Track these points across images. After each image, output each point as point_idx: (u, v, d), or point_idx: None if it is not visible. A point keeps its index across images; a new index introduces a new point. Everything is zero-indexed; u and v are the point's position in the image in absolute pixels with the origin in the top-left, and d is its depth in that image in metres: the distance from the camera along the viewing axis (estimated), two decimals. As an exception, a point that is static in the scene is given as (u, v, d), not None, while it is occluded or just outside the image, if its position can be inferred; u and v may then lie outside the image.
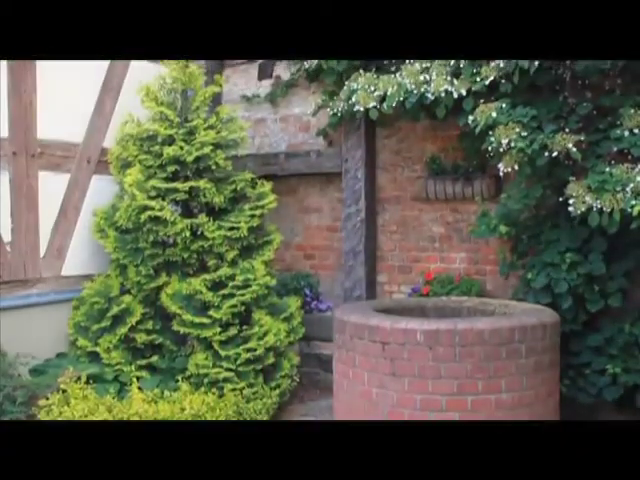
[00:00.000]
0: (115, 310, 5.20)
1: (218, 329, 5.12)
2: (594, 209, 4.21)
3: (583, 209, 4.26)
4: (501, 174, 4.74)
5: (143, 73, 5.68)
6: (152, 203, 5.12)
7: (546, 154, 4.39)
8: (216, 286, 5.25)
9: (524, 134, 4.42)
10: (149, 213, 5.12)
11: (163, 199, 5.23)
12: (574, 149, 4.33)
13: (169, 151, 5.27)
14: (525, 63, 4.35)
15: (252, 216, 5.44)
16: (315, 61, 5.61)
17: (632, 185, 4.13)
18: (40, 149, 5.19)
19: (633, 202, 4.07)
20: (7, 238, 4.99)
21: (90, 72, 5.54)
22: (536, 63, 4.32)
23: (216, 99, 6.24)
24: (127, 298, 5.26)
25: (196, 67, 5.68)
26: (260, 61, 6.62)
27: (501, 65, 4.53)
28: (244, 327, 5.21)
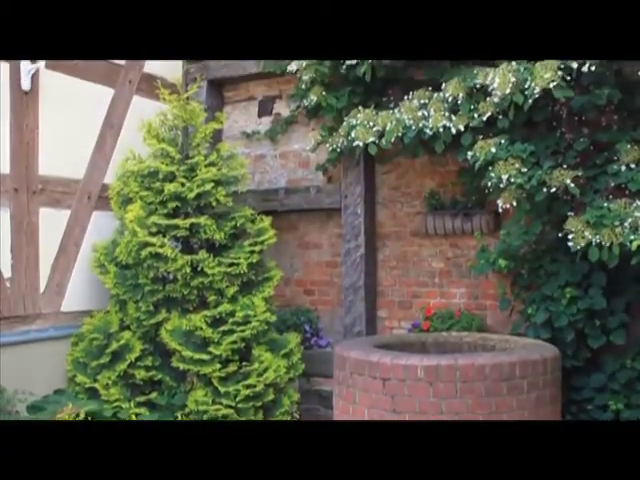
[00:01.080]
0: (114, 346, 5.18)
1: (218, 365, 5.09)
2: (593, 244, 4.22)
3: (582, 244, 4.27)
4: (500, 210, 4.76)
5: (144, 110, 5.74)
6: (153, 239, 5.14)
7: (544, 190, 4.41)
8: (216, 322, 5.24)
9: (523, 170, 4.45)
10: (150, 249, 5.13)
11: (164, 235, 5.25)
12: (572, 184, 4.36)
13: (170, 188, 5.30)
14: (520, 98, 4.39)
15: (252, 252, 5.45)
16: (314, 98, 5.65)
17: (630, 220, 4.15)
18: (41, 185, 5.23)
19: (632, 237, 4.08)
20: (7, 274, 5.00)
21: (92, 109, 5.61)
22: (530, 100, 4.36)
23: (217, 136, 6.30)
24: (126, 334, 5.24)
25: (197, 104, 5.75)
26: (260, 98, 6.69)
27: (496, 101, 4.57)
28: (244, 363, 5.19)
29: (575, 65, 4.27)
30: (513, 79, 4.40)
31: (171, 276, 5.33)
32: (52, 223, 5.32)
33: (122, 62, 5.96)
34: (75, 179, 5.53)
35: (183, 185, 5.35)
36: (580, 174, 4.43)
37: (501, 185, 4.52)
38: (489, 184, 4.62)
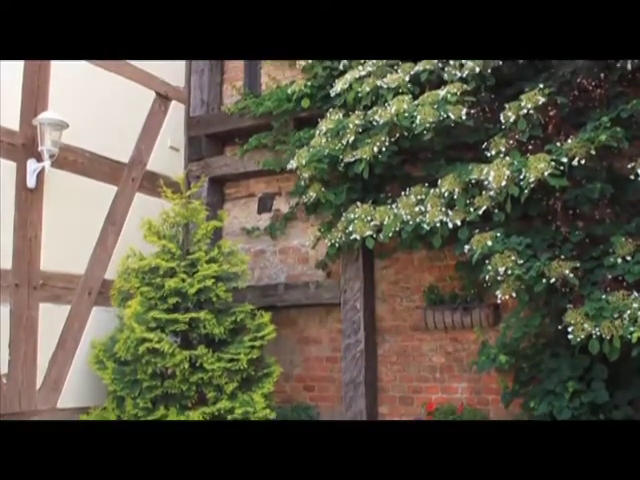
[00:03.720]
0: (110, 444, 5.06)
1: (215, 464, 4.97)
2: (594, 336, 4.21)
3: (582, 336, 4.26)
4: (499, 302, 4.77)
5: (146, 207, 5.85)
6: (150, 335, 5.13)
7: (544, 281, 4.44)
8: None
9: (520, 262, 4.49)
10: (147, 345, 5.11)
11: (163, 330, 5.24)
12: (571, 275, 4.38)
13: (170, 283, 5.34)
14: (515, 190, 4.48)
15: (252, 347, 5.43)
16: (313, 195, 5.76)
17: (629, 312, 4.15)
18: (42, 281, 5.26)
19: (632, 329, 4.08)
20: (4, 370, 4.96)
21: (95, 205, 5.72)
22: (525, 191, 4.45)
23: (217, 231, 6.37)
24: (123, 432, 5.14)
25: (198, 202, 5.86)
26: (260, 195, 6.82)
27: (492, 194, 4.66)
28: (242, 462, 5.06)
29: (565, 159, 4.39)
30: (508, 172, 4.51)
31: (170, 371, 5.28)
32: (52, 318, 5.32)
33: (126, 160, 6.12)
34: (76, 274, 5.57)
35: (184, 281, 5.38)
36: (578, 266, 4.47)
37: (499, 277, 4.55)
38: (487, 277, 4.65)
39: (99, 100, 5.90)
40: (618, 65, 4.59)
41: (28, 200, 5.23)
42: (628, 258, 4.39)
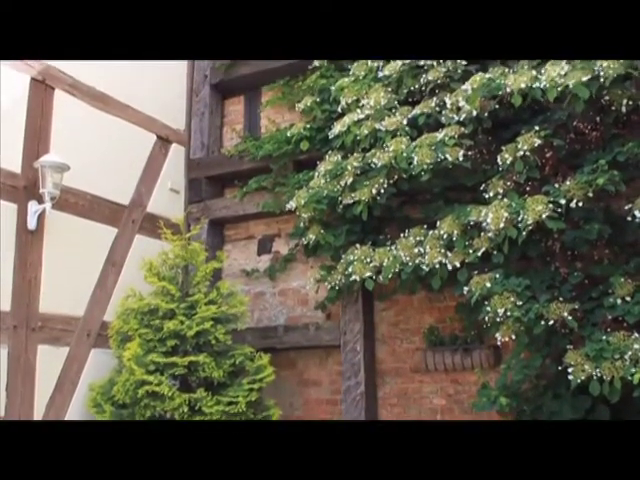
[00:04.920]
0: (107, 489, 5.00)
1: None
2: (594, 378, 4.18)
3: (583, 377, 4.23)
4: (499, 343, 4.76)
5: (146, 248, 5.86)
6: (150, 378, 5.10)
7: (542, 323, 4.43)
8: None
9: (519, 303, 4.48)
10: (147, 388, 5.08)
11: (162, 373, 5.20)
12: (569, 317, 4.37)
13: (169, 325, 5.32)
14: (514, 232, 4.50)
15: (251, 390, 5.39)
16: (313, 236, 5.78)
17: (630, 353, 4.13)
18: (41, 323, 5.25)
19: (633, 370, 4.05)
20: (0, 413, 4.91)
21: (95, 247, 5.75)
22: (524, 233, 4.47)
23: (217, 273, 6.38)
24: (120, 476, 5.07)
25: (198, 244, 5.87)
26: (260, 237, 6.85)
27: (490, 236, 4.68)
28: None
29: (563, 201, 4.42)
30: (506, 214, 4.52)
31: (168, 415, 5.23)
32: (50, 361, 5.30)
33: (126, 202, 6.16)
34: (75, 316, 5.56)
35: (182, 323, 5.36)
36: (577, 307, 4.47)
37: (498, 319, 4.54)
38: (486, 318, 4.64)
39: (100, 143, 5.96)
40: (613, 108, 4.65)
41: (28, 242, 5.25)
42: (628, 299, 4.38)
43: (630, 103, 4.56)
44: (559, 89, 4.46)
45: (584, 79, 4.36)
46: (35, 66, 5.51)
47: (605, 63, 4.31)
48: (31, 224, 5.26)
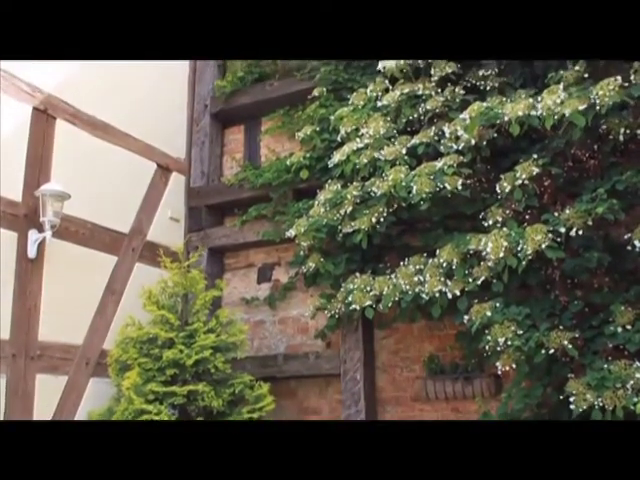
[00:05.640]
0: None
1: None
2: (596, 407, 4.16)
3: (585, 407, 4.20)
4: (500, 372, 4.74)
5: (146, 276, 5.86)
6: (149, 407, 5.06)
7: (543, 351, 4.41)
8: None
9: (520, 332, 4.47)
10: (146, 417, 5.04)
11: (161, 403, 5.17)
12: (570, 346, 4.36)
13: (169, 354, 5.30)
14: (513, 261, 4.50)
15: (250, 419, 5.35)
16: (312, 265, 5.79)
17: (632, 382, 4.12)
18: (40, 351, 5.24)
19: (635, 399, 4.04)
20: (-2, 443, 4.87)
21: (94, 275, 5.75)
22: (523, 263, 4.47)
23: (216, 302, 6.37)
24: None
25: (197, 272, 5.87)
26: (259, 265, 6.85)
27: (490, 265, 4.68)
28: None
29: (563, 230, 4.43)
30: (505, 243, 4.53)
31: (166, 445, 5.19)
32: (48, 389, 5.27)
33: (126, 231, 6.18)
34: (74, 345, 5.54)
35: (182, 352, 5.34)
36: (577, 335, 4.46)
37: (499, 348, 4.53)
38: (487, 347, 4.63)
39: (101, 171, 5.99)
40: (611, 136, 4.68)
41: (28, 270, 5.25)
42: (628, 327, 4.37)
43: (628, 132, 4.60)
44: (556, 117, 4.50)
45: (580, 107, 4.41)
46: (37, 95, 5.56)
47: (601, 91, 4.36)
48: (31, 252, 5.27)
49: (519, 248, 4.48)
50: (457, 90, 5.41)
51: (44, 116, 5.62)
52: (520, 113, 4.66)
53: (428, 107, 5.38)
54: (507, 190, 4.80)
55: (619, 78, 4.38)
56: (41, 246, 5.34)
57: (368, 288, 5.34)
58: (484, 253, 4.71)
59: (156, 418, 5.01)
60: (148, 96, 6.60)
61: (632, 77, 4.41)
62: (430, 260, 5.15)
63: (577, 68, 4.77)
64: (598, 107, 4.37)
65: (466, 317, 4.79)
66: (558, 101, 4.54)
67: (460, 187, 4.96)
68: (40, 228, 5.33)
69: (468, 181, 5.07)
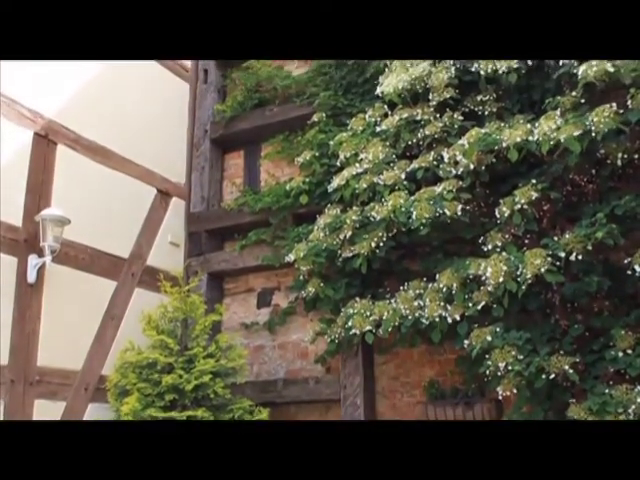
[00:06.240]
0: None
1: None
2: (598, 432, 4.14)
3: (587, 432, 4.19)
4: (501, 397, 4.71)
5: (145, 301, 5.86)
6: (148, 432, 5.03)
7: (543, 376, 4.39)
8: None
9: (520, 357, 4.46)
10: (144, 442, 5.01)
11: (159, 428, 5.15)
12: (571, 370, 4.35)
13: (168, 379, 5.28)
14: (513, 286, 4.50)
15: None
16: (312, 290, 5.78)
17: (634, 407, 4.09)
18: (38, 377, 5.23)
19: (637, 424, 4.02)
20: (-4, 470, 4.84)
21: (94, 300, 5.75)
22: (523, 287, 4.46)
23: (216, 327, 6.36)
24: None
25: (197, 296, 5.87)
26: (259, 290, 6.84)
27: (490, 289, 4.68)
28: None
29: (562, 254, 4.44)
30: (505, 268, 4.53)
31: (165, 471, 5.15)
32: (47, 415, 5.25)
33: (126, 255, 6.18)
34: (73, 370, 5.53)
35: (181, 377, 5.32)
36: (578, 360, 4.44)
37: (499, 373, 4.51)
38: (487, 372, 4.61)
39: (101, 196, 6.02)
40: (609, 161, 4.71)
41: (27, 295, 5.25)
42: (629, 351, 4.36)
43: (625, 156, 4.63)
44: (552, 142, 4.54)
45: (575, 133, 4.44)
46: (38, 121, 5.60)
47: (596, 118, 4.39)
48: (31, 277, 5.27)
49: (519, 272, 4.48)
50: (455, 115, 5.44)
51: (45, 141, 5.66)
52: (518, 139, 4.69)
53: (427, 132, 5.41)
54: (506, 215, 4.81)
55: (614, 105, 4.42)
56: (41, 271, 5.35)
57: (368, 313, 5.33)
58: (484, 278, 4.71)
59: (155, 444, 4.98)
60: (148, 122, 6.65)
61: (629, 102, 4.45)
62: (430, 285, 5.15)
63: (574, 94, 4.81)
64: (594, 133, 4.40)
65: (466, 342, 4.78)
66: (554, 127, 4.57)
67: (459, 212, 4.98)
68: (40, 253, 5.34)
69: (467, 206, 5.08)
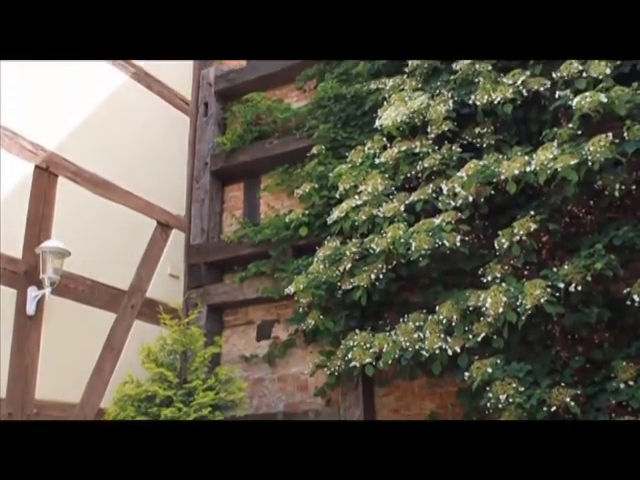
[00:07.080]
0: None
1: None
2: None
3: (589, 466, 4.15)
4: (502, 431, 4.68)
5: (145, 333, 5.84)
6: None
7: (545, 409, 4.36)
8: None
9: (521, 389, 4.43)
10: (142, 477, 4.95)
11: (157, 462, 5.09)
12: (572, 403, 4.32)
13: (167, 413, 5.23)
14: (513, 316, 4.49)
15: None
16: (312, 322, 5.77)
17: (636, 439, 4.06)
18: (36, 410, 5.18)
19: None
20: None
21: (93, 332, 5.74)
22: (523, 318, 4.46)
23: (215, 359, 6.33)
24: None
25: (196, 329, 5.84)
26: (259, 322, 6.83)
27: (490, 321, 4.67)
28: None
29: (562, 285, 4.44)
30: (504, 299, 4.53)
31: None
32: (44, 449, 5.18)
33: (126, 287, 6.18)
34: (71, 403, 5.49)
35: (180, 410, 5.27)
36: (579, 392, 4.42)
37: (500, 405, 4.48)
38: (488, 404, 4.58)
39: (101, 228, 6.03)
40: (606, 192, 4.73)
41: (26, 327, 5.23)
42: (631, 383, 4.33)
43: (623, 187, 4.65)
44: (549, 172, 4.56)
45: (572, 163, 4.47)
46: (39, 153, 5.64)
47: (592, 147, 4.43)
48: (30, 309, 5.26)
49: (518, 303, 4.48)
50: (454, 148, 5.48)
51: (46, 174, 5.69)
52: (516, 171, 4.72)
53: (425, 164, 5.44)
54: (505, 246, 4.82)
55: (610, 135, 4.45)
56: (40, 303, 5.34)
57: (368, 345, 5.31)
58: (483, 309, 4.71)
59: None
60: (149, 154, 6.69)
61: (625, 134, 4.48)
62: (430, 317, 5.13)
63: (570, 125, 4.85)
64: (590, 163, 4.43)
65: (467, 374, 4.75)
66: (551, 157, 4.60)
67: (459, 243, 4.99)
68: (39, 285, 5.33)
69: (466, 237, 5.10)
